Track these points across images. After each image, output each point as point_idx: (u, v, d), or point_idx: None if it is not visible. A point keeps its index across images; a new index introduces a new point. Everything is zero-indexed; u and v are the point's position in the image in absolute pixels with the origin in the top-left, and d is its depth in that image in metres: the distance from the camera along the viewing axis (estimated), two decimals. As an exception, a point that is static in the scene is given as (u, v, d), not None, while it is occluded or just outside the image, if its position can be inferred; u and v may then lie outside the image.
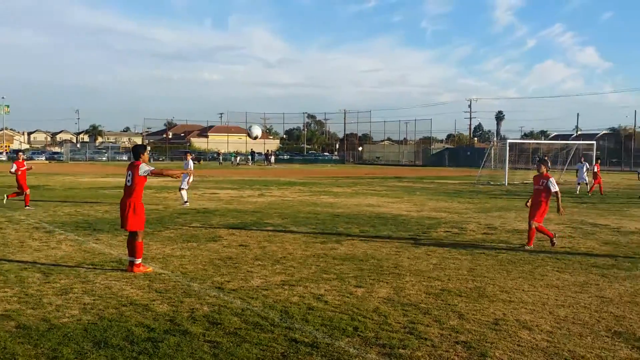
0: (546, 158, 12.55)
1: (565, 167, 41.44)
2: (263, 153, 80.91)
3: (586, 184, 26.80)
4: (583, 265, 9.29)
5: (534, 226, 10.84)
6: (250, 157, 74.03)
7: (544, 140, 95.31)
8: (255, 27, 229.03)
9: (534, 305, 6.88)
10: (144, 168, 8.47)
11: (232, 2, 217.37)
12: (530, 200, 11.24)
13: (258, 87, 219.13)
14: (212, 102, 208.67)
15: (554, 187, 10.90)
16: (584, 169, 26.75)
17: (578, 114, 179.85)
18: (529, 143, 67.28)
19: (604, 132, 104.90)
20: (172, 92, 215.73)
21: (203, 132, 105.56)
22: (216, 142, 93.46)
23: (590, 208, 19.07)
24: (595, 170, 26.66)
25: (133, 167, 8.52)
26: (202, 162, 73.01)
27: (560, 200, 11.07)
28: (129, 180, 8.58)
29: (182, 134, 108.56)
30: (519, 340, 5.58)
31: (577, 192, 26.07)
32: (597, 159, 29.67)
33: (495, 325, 6.05)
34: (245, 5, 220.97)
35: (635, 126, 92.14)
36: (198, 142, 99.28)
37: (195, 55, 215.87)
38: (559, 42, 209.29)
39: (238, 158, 72.82)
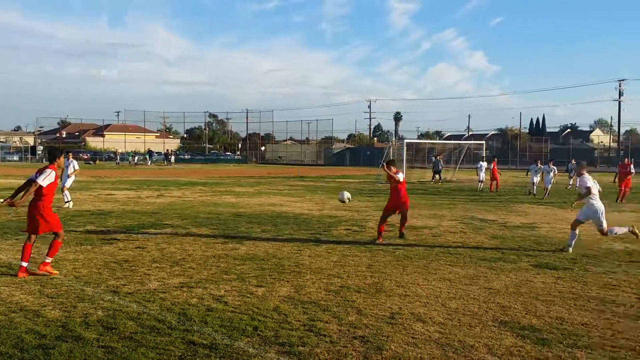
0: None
1: (458, 166, 43.53)
2: (163, 153, 78.71)
3: (481, 181, 28.20)
4: (473, 258, 9.78)
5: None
6: (148, 156, 71.66)
7: (439, 140, 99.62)
8: (155, 24, 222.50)
9: (427, 298, 7.16)
10: (44, 178, 8.00)
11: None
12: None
13: (157, 85, 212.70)
14: (109, 101, 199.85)
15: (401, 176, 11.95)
16: (483, 168, 28.23)
17: (469, 115, 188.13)
18: (425, 143, 70.11)
19: (493, 132, 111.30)
20: (66, 90, 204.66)
21: (99, 131, 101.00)
22: (113, 142, 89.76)
23: (480, 204, 20.14)
24: (492, 168, 28.11)
25: (43, 171, 8.12)
26: (97, 162, 69.90)
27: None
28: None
29: (77, 133, 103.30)
30: (413, 333, 5.78)
31: (480, 189, 27.52)
32: (494, 157, 31.35)
33: (392, 319, 6.23)
34: (144, 1, 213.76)
35: (520, 127, 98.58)
36: (94, 142, 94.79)
37: (91, 52, 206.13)
38: (451, 46, 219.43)
39: (136, 158, 70.32)
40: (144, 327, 5.85)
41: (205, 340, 5.47)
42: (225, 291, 7.35)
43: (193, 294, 7.20)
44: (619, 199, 21.70)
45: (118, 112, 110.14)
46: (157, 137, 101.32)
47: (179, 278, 8.05)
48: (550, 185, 23.38)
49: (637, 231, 10.66)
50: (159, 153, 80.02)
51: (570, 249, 10.49)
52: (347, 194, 12.71)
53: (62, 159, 8.70)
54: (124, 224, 13.65)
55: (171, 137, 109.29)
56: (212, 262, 9.17)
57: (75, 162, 18.04)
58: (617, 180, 23.15)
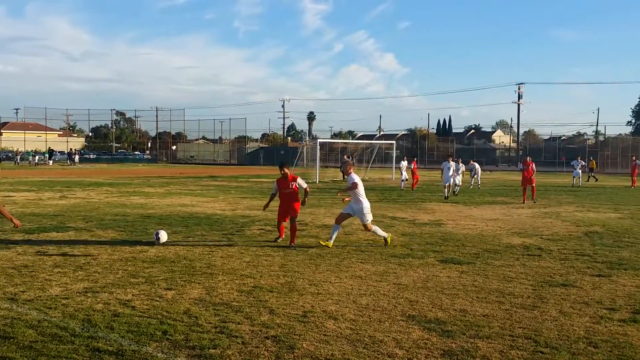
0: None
1: (370, 165, 44.48)
2: (66, 152, 75.10)
3: (403, 180, 29.00)
4: (383, 255, 10.03)
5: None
6: (49, 156, 68.08)
7: (352, 140, 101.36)
8: (56, 17, 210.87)
9: (339, 295, 7.26)
10: None
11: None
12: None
13: (60, 82, 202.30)
14: (6, 97, 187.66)
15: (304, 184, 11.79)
16: (404, 167, 28.98)
17: (381, 116, 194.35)
18: (338, 142, 71.09)
19: (403, 132, 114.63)
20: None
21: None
22: (11, 140, 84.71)
23: (390, 203, 20.68)
24: (412, 167, 29.04)
25: None
26: (-7, 161, 65.72)
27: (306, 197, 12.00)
28: None
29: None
30: (325, 330, 5.85)
31: (403, 188, 28.48)
32: (413, 157, 32.28)
33: (304, 318, 6.27)
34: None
35: (429, 127, 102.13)
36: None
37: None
38: (363, 48, 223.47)
39: (37, 157, 66.64)
40: (44, 335, 5.55)
41: (112, 346, 5.27)
42: (132, 295, 7.11)
43: (98, 299, 6.92)
44: (525, 200, 21.28)
45: (17, 109, 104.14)
46: (60, 135, 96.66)
47: (83, 283, 7.71)
48: (452, 182, 23.50)
49: (389, 241, 11.08)
50: (61, 152, 76.26)
51: (331, 242, 10.72)
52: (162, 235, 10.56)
53: None
54: (24, 227, 12.88)
55: (75, 135, 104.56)
56: (119, 266, 8.85)
57: None
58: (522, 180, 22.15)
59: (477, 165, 30.32)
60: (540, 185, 25.90)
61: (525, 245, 11.38)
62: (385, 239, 11.06)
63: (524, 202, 20.99)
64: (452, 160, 23.79)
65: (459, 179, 24.93)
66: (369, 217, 10.87)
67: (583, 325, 6.16)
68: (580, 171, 33.18)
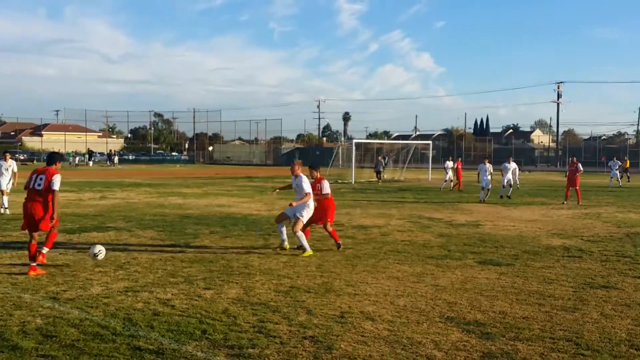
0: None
1: (406, 166, 44.19)
2: (106, 153, 76.71)
3: (445, 180, 28.84)
4: (420, 256, 9.95)
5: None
6: (88, 157, 69.63)
7: (387, 140, 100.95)
8: (94, 19, 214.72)
9: (376, 296, 7.23)
10: (57, 183, 8.45)
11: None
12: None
13: (98, 84, 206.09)
14: (46, 99, 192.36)
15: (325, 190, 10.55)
16: (450, 167, 28.65)
17: (417, 116, 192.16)
18: (374, 143, 70.86)
19: (439, 132, 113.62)
20: (0, 87, 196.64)
21: (37, 130, 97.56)
22: (52, 142, 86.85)
23: (428, 203, 20.51)
24: (457, 168, 28.71)
25: (46, 173, 8.49)
26: (35, 162, 67.54)
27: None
28: (39, 184, 8.41)
29: (13, 133, 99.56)
30: (362, 331, 5.83)
31: (443, 187, 28.17)
32: (458, 157, 31.81)
33: (341, 318, 6.26)
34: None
35: (465, 127, 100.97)
36: (31, 142, 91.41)
37: (26, 48, 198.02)
38: (398, 47, 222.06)
39: (77, 158, 68.23)
40: (86, 334, 5.67)
41: (152, 345, 5.36)
42: (172, 294, 7.22)
43: (138, 298, 7.04)
44: (565, 200, 20.96)
45: (57, 110, 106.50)
46: (99, 137, 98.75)
47: (124, 282, 7.86)
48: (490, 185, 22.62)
49: (287, 248, 10.32)
50: (101, 153, 77.95)
51: (285, 243, 10.39)
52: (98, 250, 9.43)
53: (60, 164, 8.88)
54: (65, 227, 13.21)
55: (114, 137, 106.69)
56: (158, 265, 8.99)
57: (14, 163, 17.19)
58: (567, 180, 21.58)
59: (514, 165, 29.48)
60: (580, 185, 25.08)
61: (565, 246, 11.14)
62: (303, 250, 9.98)
63: (564, 202, 20.56)
64: (489, 163, 23.11)
65: (506, 180, 23.19)
66: (303, 222, 10.09)
67: (625, 327, 6.01)
68: (617, 172, 32.40)
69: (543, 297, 7.27)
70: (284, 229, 10.48)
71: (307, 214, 10.18)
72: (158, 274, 8.36)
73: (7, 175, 16.36)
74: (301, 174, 10.43)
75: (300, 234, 9.99)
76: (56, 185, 8.38)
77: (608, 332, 5.85)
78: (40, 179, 8.46)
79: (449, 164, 29.06)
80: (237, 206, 18.76)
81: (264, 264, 9.21)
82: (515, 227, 13.93)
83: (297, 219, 10.07)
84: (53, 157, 8.94)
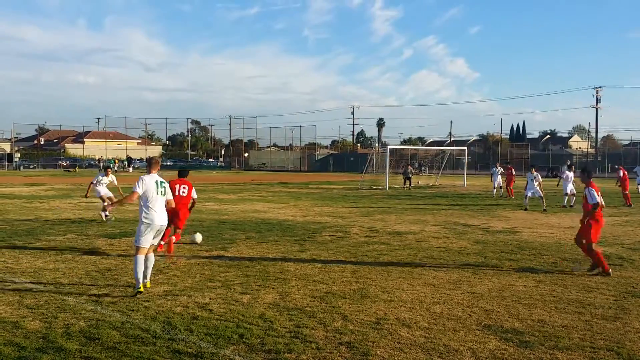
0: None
1: (441, 172, 43.83)
2: (144, 160, 78.12)
3: (495, 188, 27.82)
4: (456, 263, 9.87)
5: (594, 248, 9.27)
6: (127, 163, 71.01)
7: (422, 146, 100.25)
8: (133, 29, 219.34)
9: (412, 303, 7.21)
10: (195, 192, 11.23)
11: (107, 3, 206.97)
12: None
13: (137, 92, 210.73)
14: (87, 107, 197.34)
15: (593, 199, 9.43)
16: (498, 173, 27.82)
17: (451, 122, 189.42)
18: (408, 149, 70.43)
19: (475, 138, 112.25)
20: (43, 95, 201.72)
21: (78, 137, 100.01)
22: (93, 149, 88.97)
23: (463, 210, 20.30)
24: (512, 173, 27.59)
25: (187, 184, 11.10)
26: (77, 169, 69.19)
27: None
28: (184, 192, 10.96)
29: (56, 140, 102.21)
30: (398, 338, 5.83)
31: (495, 195, 27.12)
32: (508, 163, 31.00)
33: (377, 325, 6.27)
34: (122, 6, 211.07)
35: (501, 133, 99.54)
36: (73, 149, 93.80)
37: (68, 57, 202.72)
38: (432, 53, 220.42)
39: (117, 165, 69.69)
40: (127, 336, 5.82)
41: (191, 348, 5.47)
42: (210, 299, 7.33)
43: (177, 302, 7.18)
44: (627, 203, 22.80)
45: (98, 118, 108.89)
46: (138, 144, 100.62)
47: (163, 286, 8.02)
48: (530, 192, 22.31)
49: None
50: (140, 160, 79.41)
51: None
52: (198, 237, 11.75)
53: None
54: (106, 232, 13.55)
55: (153, 143, 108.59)
56: (196, 270, 9.14)
57: (114, 177, 17.23)
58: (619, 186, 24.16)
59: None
60: (617, 192, 24.76)
61: (605, 254, 10.89)
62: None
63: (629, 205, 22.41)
64: (536, 171, 22.59)
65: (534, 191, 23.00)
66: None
67: (672, 339, 5.85)
68: None
69: (583, 305, 7.14)
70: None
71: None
72: (196, 279, 8.50)
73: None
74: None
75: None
76: (195, 195, 11.16)
77: (651, 342, 5.71)
78: (184, 187, 10.97)
79: (498, 170, 27.73)
80: (273, 212, 18.90)
81: (300, 269, 9.28)
82: (553, 235, 13.69)
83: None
84: (186, 171, 11.73)
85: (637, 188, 30.67)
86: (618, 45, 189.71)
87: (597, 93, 75.55)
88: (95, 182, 16.54)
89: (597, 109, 75.81)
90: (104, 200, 16.20)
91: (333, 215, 17.74)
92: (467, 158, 43.39)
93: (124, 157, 79.19)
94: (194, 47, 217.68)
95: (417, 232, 14.04)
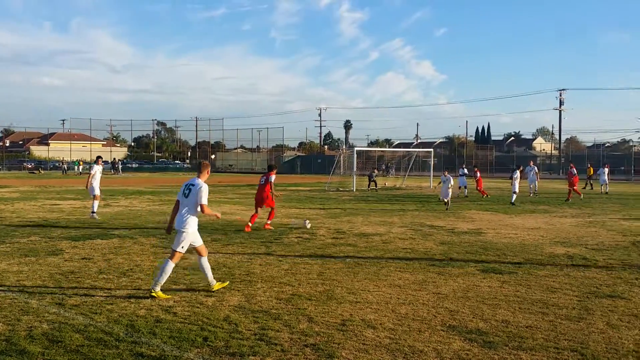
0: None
1: (407, 174, 44.20)
2: (110, 162, 76.91)
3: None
4: (422, 264, 9.94)
5: None
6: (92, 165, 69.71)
7: (389, 148, 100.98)
8: (99, 30, 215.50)
9: (378, 304, 7.23)
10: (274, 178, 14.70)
11: (74, 5, 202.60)
12: None
13: (103, 93, 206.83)
14: (53, 108, 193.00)
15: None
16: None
17: (418, 124, 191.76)
18: (375, 151, 70.92)
19: (441, 140, 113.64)
20: (9, 97, 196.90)
21: (43, 139, 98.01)
22: (58, 151, 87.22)
23: (429, 211, 20.49)
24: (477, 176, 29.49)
25: (267, 175, 14.74)
26: (41, 171, 67.69)
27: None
28: (262, 182, 14.69)
29: (21, 142, 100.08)
30: (364, 339, 5.83)
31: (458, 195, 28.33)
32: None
33: (343, 326, 6.26)
34: (88, 8, 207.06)
35: (467, 135, 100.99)
36: (38, 151, 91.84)
37: (34, 59, 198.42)
38: (399, 55, 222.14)
39: (81, 167, 68.42)
40: (90, 339, 5.70)
41: (154, 352, 5.37)
42: (174, 301, 7.23)
43: (141, 305, 7.06)
44: (568, 198, 25.91)
45: (63, 120, 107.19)
46: (103, 145, 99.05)
47: (127, 289, 7.88)
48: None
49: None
50: (105, 162, 78.13)
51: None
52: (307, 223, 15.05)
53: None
54: (70, 234, 13.27)
55: (118, 145, 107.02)
56: (161, 273, 8.99)
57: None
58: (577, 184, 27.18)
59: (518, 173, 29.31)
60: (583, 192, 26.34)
61: (569, 254, 11.12)
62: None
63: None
64: (520, 171, 26.08)
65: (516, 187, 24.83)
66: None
67: (632, 338, 5.98)
68: (607, 178, 32.42)
69: (547, 306, 7.25)
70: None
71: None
72: (160, 282, 8.35)
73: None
74: None
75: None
76: (273, 179, 14.60)
77: (615, 343, 5.81)
78: (264, 178, 14.64)
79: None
80: (240, 214, 18.77)
81: (266, 271, 9.22)
82: (517, 235, 13.91)
83: None
84: (271, 167, 15.34)
85: (601, 188, 31.48)
86: (581, 48, 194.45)
87: (560, 95, 77.32)
88: (93, 172, 17.52)
89: (560, 111, 77.57)
90: (96, 200, 17.14)
91: (300, 217, 17.69)
92: (434, 160, 43.79)
93: (89, 159, 77.72)
94: (160, 49, 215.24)
95: (383, 233, 14.11)
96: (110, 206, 21.35)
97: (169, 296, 7.52)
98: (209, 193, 8.11)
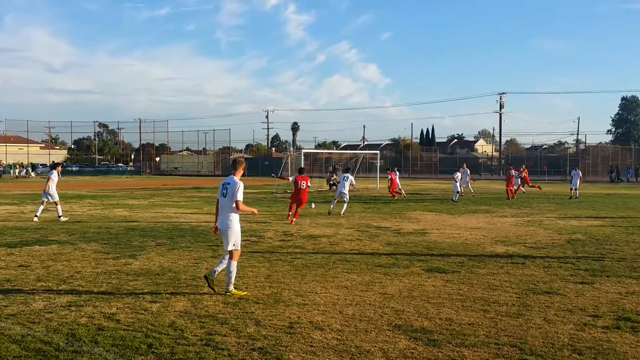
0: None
1: (355, 175, 44.51)
2: (48, 165, 74.37)
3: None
4: (369, 265, 10.05)
5: None
6: (31, 169, 67.37)
7: (336, 150, 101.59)
8: (36, 28, 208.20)
9: (325, 306, 7.26)
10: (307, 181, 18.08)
11: (7, 0, 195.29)
12: None
13: (40, 93, 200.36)
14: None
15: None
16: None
17: (364, 126, 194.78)
18: (322, 153, 71.22)
19: (387, 142, 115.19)
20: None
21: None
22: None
23: (376, 212, 20.74)
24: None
25: (304, 178, 18.00)
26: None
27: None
28: (302, 185, 17.74)
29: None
30: (311, 341, 5.84)
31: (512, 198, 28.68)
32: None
33: (290, 329, 6.26)
34: (23, 4, 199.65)
35: (412, 137, 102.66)
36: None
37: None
38: (345, 58, 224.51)
39: (17, 170, 65.88)
40: (28, 350, 5.49)
41: (96, 361, 5.23)
42: (117, 309, 7.05)
43: (82, 312, 6.85)
44: (508, 197, 27.91)
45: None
46: (41, 148, 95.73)
47: (67, 297, 7.63)
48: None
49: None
50: (43, 165, 75.51)
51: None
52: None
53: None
54: (5, 240, 12.75)
55: (57, 147, 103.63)
56: (103, 279, 8.77)
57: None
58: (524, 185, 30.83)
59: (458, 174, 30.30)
60: (523, 192, 27.35)
61: (509, 253, 11.47)
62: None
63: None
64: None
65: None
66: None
67: (567, 332, 6.22)
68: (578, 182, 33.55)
69: (488, 303, 7.46)
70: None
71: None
72: (102, 288, 8.16)
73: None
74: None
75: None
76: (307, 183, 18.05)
77: (551, 337, 6.04)
78: (303, 182, 17.79)
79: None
80: (185, 217, 18.51)
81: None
82: (460, 235, 14.25)
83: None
84: (301, 170, 18.95)
85: (571, 192, 30.74)
86: (520, 52, 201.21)
87: (500, 99, 79.63)
88: (53, 177, 18.22)
89: (500, 114, 79.89)
90: (57, 204, 17.93)
91: (247, 220, 17.58)
92: (380, 162, 44.33)
93: (26, 162, 75.00)
94: (101, 48, 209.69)
95: (331, 235, 14.18)
96: (49, 211, 20.63)
97: (245, 292, 7.85)
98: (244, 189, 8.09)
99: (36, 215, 17.56)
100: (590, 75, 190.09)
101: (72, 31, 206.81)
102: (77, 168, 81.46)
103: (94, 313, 6.83)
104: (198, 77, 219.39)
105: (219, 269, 7.99)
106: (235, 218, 7.98)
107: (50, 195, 17.90)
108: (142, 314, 6.83)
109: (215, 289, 7.84)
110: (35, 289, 8.06)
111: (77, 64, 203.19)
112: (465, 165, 32.86)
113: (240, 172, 8.22)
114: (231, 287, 7.83)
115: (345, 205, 20.06)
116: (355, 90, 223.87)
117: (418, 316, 6.81)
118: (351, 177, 20.95)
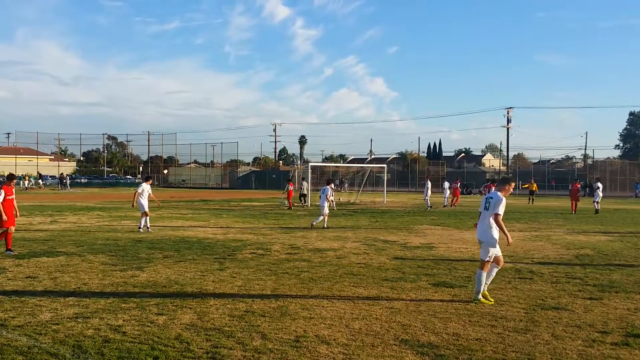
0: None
1: (362, 189, 44.54)
2: (57, 176, 74.80)
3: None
4: (375, 279, 10.02)
5: None
6: (40, 180, 67.81)
7: (343, 163, 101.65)
8: (46, 41, 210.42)
9: (332, 320, 7.24)
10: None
11: (19, 14, 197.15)
12: None
13: (50, 106, 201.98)
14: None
15: None
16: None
17: (371, 140, 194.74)
18: (329, 166, 71.22)
19: (394, 156, 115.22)
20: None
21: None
22: (2, 165, 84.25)
23: (382, 226, 20.69)
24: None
25: None
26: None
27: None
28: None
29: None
30: (317, 355, 5.82)
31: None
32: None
33: (296, 343, 6.24)
34: (34, 18, 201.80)
35: (419, 151, 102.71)
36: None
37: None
38: (352, 72, 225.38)
39: (26, 182, 66.23)
40: (34, 362, 5.50)
41: (102, 373, 5.22)
42: (123, 321, 7.06)
43: (89, 324, 6.86)
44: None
45: (8, 133, 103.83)
46: (51, 160, 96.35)
47: (74, 308, 7.65)
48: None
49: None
50: (52, 176, 75.94)
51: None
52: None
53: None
54: (14, 251, 12.80)
55: (66, 159, 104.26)
56: (110, 291, 8.79)
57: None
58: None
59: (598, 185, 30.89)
60: (530, 208, 26.83)
61: (516, 268, 11.40)
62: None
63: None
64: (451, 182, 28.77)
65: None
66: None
67: (576, 348, 6.17)
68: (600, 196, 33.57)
69: (495, 318, 7.41)
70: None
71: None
72: (109, 300, 8.17)
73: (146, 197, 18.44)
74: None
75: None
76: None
77: (559, 354, 5.98)
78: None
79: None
80: (192, 230, 18.53)
81: (219, 288, 9.12)
82: (468, 250, 14.19)
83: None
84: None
85: (594, 205, 30.44)
86: (528, 67, 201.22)
87: (508, 113, 79.48)
88: (140, 191, 18.47)
89: (508, 129, 79.67)
90: (147, 215, 18.09)
91: (254, 233, 17.60)
92: (387, 175, 44.35)
93: (34, 174, 75.45)
94: (110, 61, 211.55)
95: (337, 248, 14.16)
96: (58, 222, 20.73)
97: (492, 301, 8.28)
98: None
99: (147, 227, 17.99)
100: (597, 90, 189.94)
101: (82, 44, 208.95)
102: (86, 180, 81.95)
103: (100, 325, 6.84)
104: (206, 90, 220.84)
105: (488, 281, 8.55)
106: (494, 231, 8.54)
107: (141, 205, 18.15)
108: (148, 326, 6.83)
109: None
110: (42, 301, 8.08)
111: (87, 77, 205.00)
112: (458, 179, 35.98)
113: (505, 191, 8.58)
114: (479, 296, 8.31)
115: (321, 217, 19.83)
116: (362, 104, 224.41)
117: (425, 331, 6.77)
118: (329, 191, 20.82)
